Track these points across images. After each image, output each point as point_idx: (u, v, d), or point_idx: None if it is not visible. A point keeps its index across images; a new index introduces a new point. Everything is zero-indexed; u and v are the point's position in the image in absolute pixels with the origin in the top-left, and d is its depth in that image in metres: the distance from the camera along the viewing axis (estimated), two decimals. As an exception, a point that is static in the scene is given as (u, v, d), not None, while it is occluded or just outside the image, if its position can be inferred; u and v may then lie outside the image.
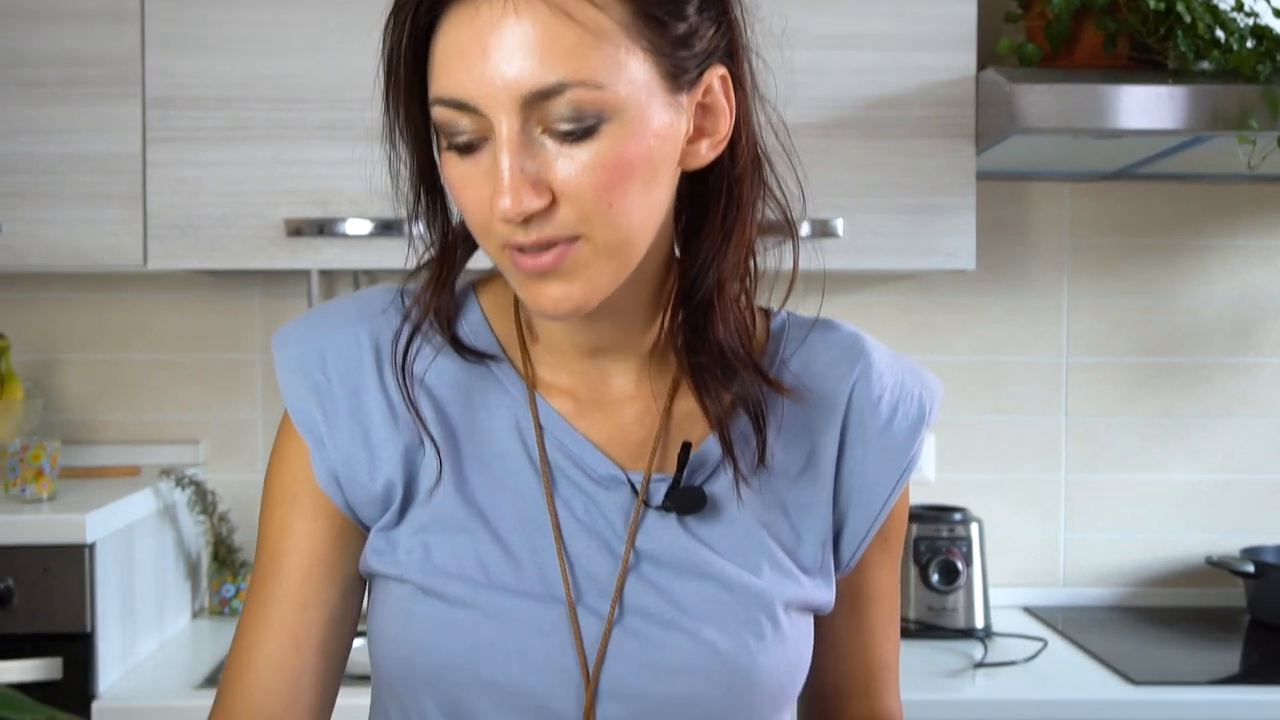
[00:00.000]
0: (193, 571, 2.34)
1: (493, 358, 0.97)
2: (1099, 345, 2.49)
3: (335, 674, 0.97)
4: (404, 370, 0.94)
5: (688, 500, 0.93)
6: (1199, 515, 2.50)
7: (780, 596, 0.93)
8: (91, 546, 1.90)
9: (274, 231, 2.08)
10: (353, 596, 0.98)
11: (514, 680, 0.89)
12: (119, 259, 2.06)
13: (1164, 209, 2.48)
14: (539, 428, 0.95)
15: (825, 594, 0.97)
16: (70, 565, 1.89)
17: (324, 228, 2.06)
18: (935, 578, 2.23)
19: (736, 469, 0.94)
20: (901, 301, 2.46)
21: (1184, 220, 2.48)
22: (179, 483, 2.25)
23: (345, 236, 2.06)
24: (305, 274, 2.34)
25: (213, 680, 1.98)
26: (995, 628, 2.27)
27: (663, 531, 0.93)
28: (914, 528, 2.25)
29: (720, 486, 0.95)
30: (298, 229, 2.07)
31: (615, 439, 0.95)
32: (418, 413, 0.93)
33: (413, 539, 0.93)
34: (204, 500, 2.30)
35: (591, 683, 0.89)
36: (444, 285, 0.95)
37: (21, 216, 2.05)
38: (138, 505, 2.08)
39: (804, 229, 2.06)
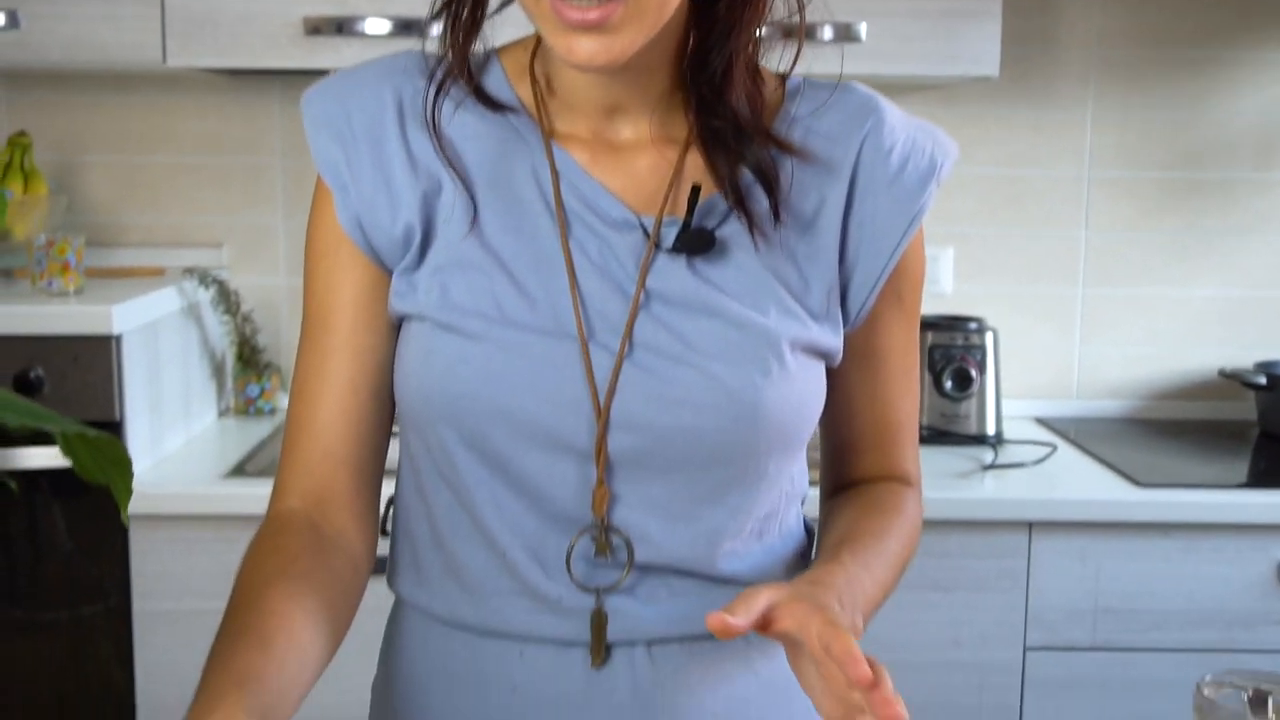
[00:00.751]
0: (218, 371, 2.39)
1: (512, 110, 1.00)
2: (1122, 159, 2.47)
3: (390, 415, 1.02)
4: (437, 95, 0.97)
5: (697, 241, 0.95)
6: (1215, 330, 2.51)
7: (786, 335, 0.95)
8: (118, 338, 1.93)
9: (293, 29, 2.07)
10: (394, 347, 1.02)
11: (527, 410, 0.93)
12: (138, 55, 2.06)
13: (1194, 20, 2.44)
14: (555, 174, 0.97)
15: (832, 340, 0.99)
16: (98, 356, 1.93)
17: (342, 26, 2.05)
18: (949, 384, 2.26)
19: (751, 223, 0.96)
20: (924, 113, 2.40)
21: (1214, 32, 2.44)
22: (203, 281, 2.28)
23: (364, 36, 2.05)
24: (324, 76, 2.33)
25: (241, 470, 2.03)
26: (1006, 435, 2.31)
27: (673, 273, 0.95)
28: (929, 336, 2.27)
29: (729, 232, 0.97)
30: (316, 27, 2.05)
31: (628, 186, 0.98)
32: (444, 148, 0.96)
33: (431, 279, 0.96)
34: (228, 300, 2.33)
35: (603, 414, 0.93)
36: (472, 33, 0.97)
37: (39, 11, 2.04)
38: (163, 302, 2.12)
39: (826, 33, 2.06)
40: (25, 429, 0.71)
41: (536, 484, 0.94)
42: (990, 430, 2.28)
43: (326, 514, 0.98)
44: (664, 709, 0.97)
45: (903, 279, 1.03)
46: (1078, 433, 2.34)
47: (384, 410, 1.01)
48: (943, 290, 2.46)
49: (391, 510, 1.07)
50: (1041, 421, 2.45)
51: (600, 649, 0.96)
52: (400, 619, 1.06)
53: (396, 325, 1.00)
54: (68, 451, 0.76)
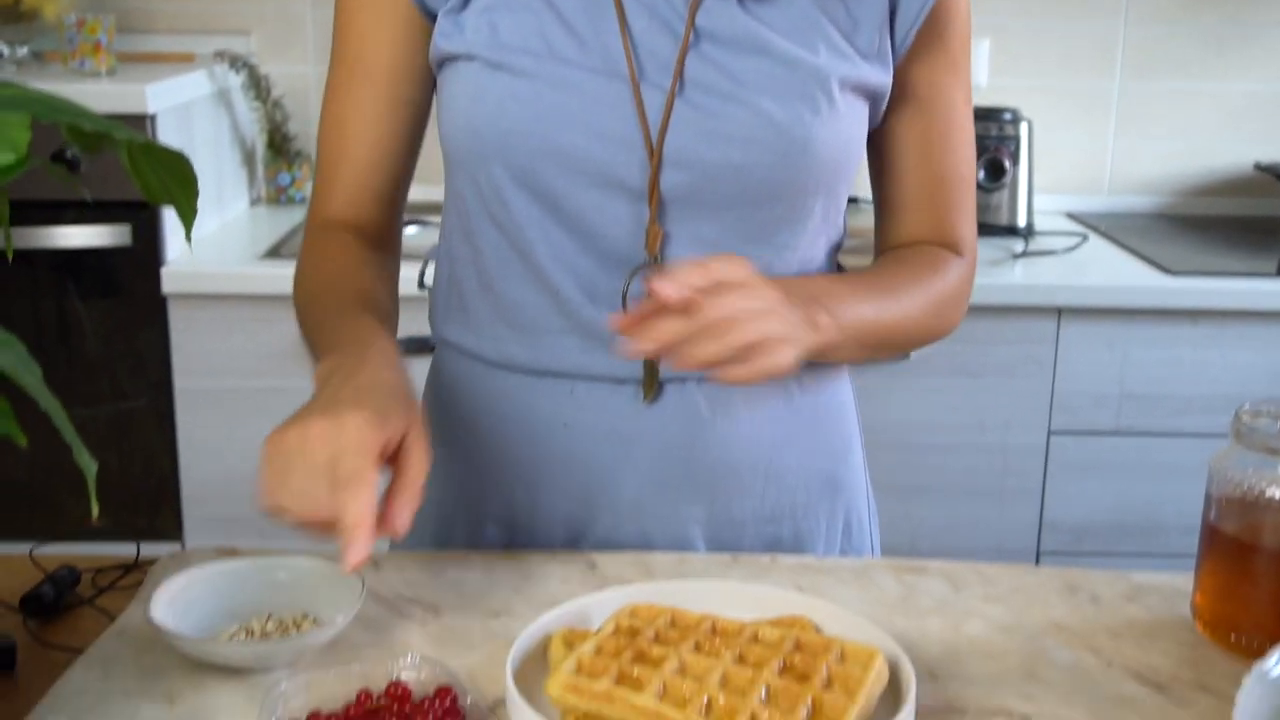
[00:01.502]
0: (249, 160, 2.39)
1: None
2: (1165, -53, 2.42)
3: (414, 157, 1.08)
4: None
5: None
6: (1251, 125, 2.48)
7: (836, 74, 0.95)
8: (153, 118, 1.93)
9: None
10: (429, 94, 1.05)
11: (579, 146, 0.93)
12: None
13: None
14: None
15: (881, 77, 0.99)
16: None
17: None
18: (981, 175, 2.25)
19: None
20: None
21: None
22: (233, 66, 2.26)
23: None
24: None
25: (275, 252, 2.05)
26: (1037, 227, 2.31)
27: (722, 11, 0.95)
28: (963, 126, 2.25)
29: None
30: None
31: None
32: None
33: (479, 19, 0.96)
34: (258, 86, 2.32)
35: (655, 152, 0.93)
36: None
37: None
38: (194, 85, 2.11)
39: None
40: (97, 136, 0.71)
41: (589, 222, 0.96)
42: (1021, 221, 2.28)
43: (361, 239, 1.04)
44: (712, 441, 1.00)
45: (947, 23, 1.01)
46: (1109, 226, 2.34)
47: (413, 155, 1.07)
48: (978, 82, 2.43)
49: (429, 264, 1.09)
50: (1073, 215, 2.44)
51: (653, 385, 0.98)
52: (445, 366, 1.08)
53: (434, 76, 1.01)
54: (131, 167, 0.75)
